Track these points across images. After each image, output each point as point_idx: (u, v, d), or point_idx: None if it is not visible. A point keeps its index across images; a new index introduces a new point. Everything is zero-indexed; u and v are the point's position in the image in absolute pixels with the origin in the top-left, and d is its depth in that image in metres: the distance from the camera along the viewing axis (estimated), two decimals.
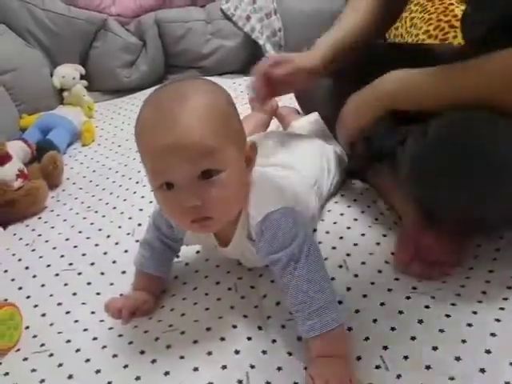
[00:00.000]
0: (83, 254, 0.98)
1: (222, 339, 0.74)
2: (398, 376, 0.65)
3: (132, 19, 1.81)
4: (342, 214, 0.97)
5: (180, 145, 0.63)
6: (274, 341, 0.73)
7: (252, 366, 0.69)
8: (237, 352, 0.71)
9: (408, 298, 0.76)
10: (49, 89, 1.61)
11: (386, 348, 0.69)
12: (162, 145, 0.64)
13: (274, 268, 0.69)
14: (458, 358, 0.66)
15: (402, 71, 0.85)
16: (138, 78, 1.77)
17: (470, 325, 0.70)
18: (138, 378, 0.70)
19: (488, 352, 0.66)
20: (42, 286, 0.91)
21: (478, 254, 0.85)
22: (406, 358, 0.67)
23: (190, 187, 0.65)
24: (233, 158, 0.67)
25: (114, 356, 0.74)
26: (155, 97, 0.68)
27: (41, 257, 0.99)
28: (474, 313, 0.72)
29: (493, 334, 0.68)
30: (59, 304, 0.86)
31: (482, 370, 0.64)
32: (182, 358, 0.72)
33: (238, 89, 1.58)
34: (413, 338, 0.69)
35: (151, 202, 1.09)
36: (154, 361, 0.72)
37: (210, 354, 0.71)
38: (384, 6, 0.98)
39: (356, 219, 0.95)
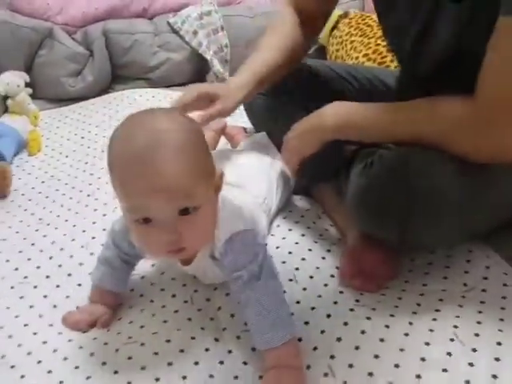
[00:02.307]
0: (38, 267, 0.98)
1: (182, 351, 0.77)
2: (344, 382, 0.71)
3: (79, 29, 1.80)
4: (290, 230, 1.03)
5: (159, 186, 0.65)
6: (230, 351, 0.77)
7: (211, 376, 0.73)
8: (196, 363, 0.75)
9: (351, 309, 0.83)
10: None
11: (332, 357, 0.74)
12: (141, 185, 0.65)
13: (235, 284, 0.74)
14: (396, 366, 0.72)
15: (343, 104, 0.88)
16: (83, 87, 1.76)
17: (406, 334, 0.77)
18: None
19: (423, 360, 0.73)
20: None
21: (412, 268, 0.92)
22: (350, 366, 0.73)
23: (169, 223, 0.67)
24: (207, 193, 0.71)
25: (76, 368, 0.76)
26: (128, 133, 0.68)
27: None
28: (410, 323, 0.79)
29: (427, 344, 0.75)
30: (16, 317, 0.86)
31: (418, 376, 0.71)
32: (143, 368, 0.75)
33: None
34: (357, 348, 0.76)
35: (105, 215, 1.11)
36: (115, 372, 0.75)
37: (170, 364, 0.75)
38: (303, 28, 1.03)
39: (303, 235, 1.01)
